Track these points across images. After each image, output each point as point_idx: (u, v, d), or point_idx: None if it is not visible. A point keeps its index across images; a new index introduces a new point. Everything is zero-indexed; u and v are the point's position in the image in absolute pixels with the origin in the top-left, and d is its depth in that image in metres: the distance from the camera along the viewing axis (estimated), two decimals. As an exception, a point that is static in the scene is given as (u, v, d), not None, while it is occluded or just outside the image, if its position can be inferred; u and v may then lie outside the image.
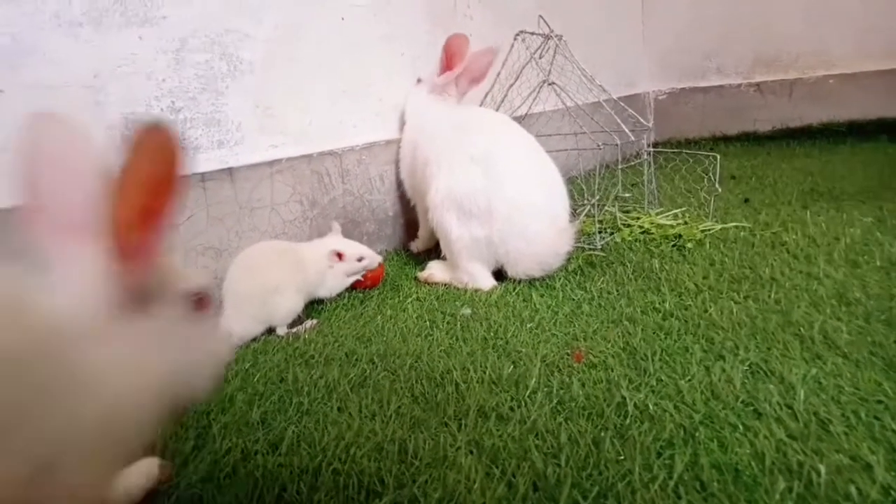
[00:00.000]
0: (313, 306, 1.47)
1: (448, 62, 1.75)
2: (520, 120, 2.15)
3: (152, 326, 0.61)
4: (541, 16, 1.94)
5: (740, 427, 0.85)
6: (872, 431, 0.81)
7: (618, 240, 1.78)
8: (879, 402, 0.88)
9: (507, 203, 1.47)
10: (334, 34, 1.69)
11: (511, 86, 2.03)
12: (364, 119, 1.78)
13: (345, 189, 1.71)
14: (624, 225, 1.87)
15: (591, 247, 1.72)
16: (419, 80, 1.85)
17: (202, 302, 0.66)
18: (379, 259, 1.51)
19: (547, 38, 1.96)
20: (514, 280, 1.52)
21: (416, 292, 1.53)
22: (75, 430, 0.54)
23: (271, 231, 1.52)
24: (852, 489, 0.70)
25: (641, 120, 2.07)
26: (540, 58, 2.02)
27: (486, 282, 1.52)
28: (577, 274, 1.55)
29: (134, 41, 1.28)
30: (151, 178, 0.57)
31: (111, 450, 0.59)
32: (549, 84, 1.85)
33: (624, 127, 1.96)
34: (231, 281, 1.29)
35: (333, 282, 1.48)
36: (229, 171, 1.43)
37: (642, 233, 1.81)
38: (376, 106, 1.82)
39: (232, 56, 1.45)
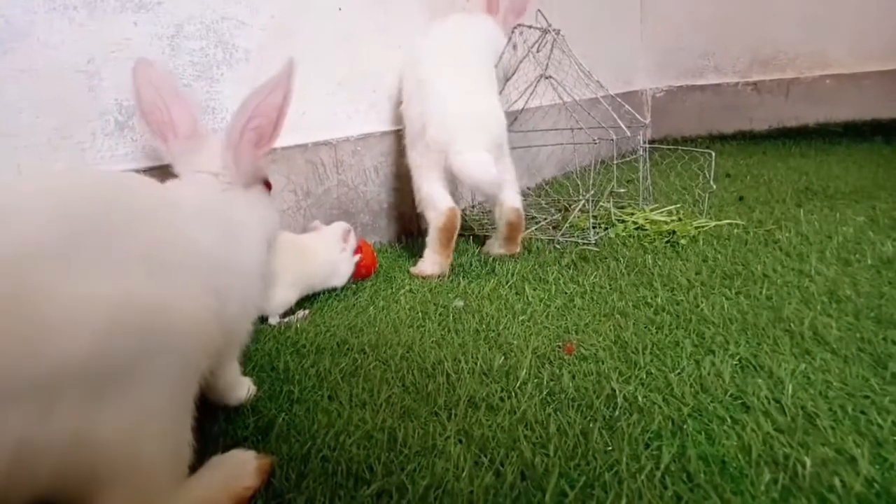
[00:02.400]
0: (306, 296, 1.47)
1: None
2: (517, 114, 2.16)
3: (255, 196, 1.04)
4: (539, 10, 1.94)
5: (728, 420, 0.86)
6: (858, 426, 0.82)
7: (612, 235, 1.79)
8: (866, 396, 0.89)
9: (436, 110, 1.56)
10: (331, 24, 1.68)
11: (509, 79, 2.03)
12: (359, 110, 1.78)
13: (339, 180, 1.71)
14: (618, 220, 1.87)
15: (586, 242, 1.72)
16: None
17: (269, 186, 1.10)
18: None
19: (545, 31, 1.96)
20: (507, 275, 1.52)
21: (410, 284, 1.53)
22: (247, 260, 0.93)
23: (265, 220, 1.51)
24: (836, 481, 0.71)
25: (638, 116, 2.08)
26: (537, 51, 2.02)
27: (443, 203, 1.56)
28: (570, 268, 1.55)
29: (129, 26, 1.28)
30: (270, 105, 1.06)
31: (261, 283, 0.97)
32: (546, 78, 1.85)
33: (620, 123, 1.97)
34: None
35: (346, 267, 1.48)
36: (223, 160, 1.42)
37: (636, 228, 1.81)
38: (371, 97, 1.81)
39: (227, 44, 1.45)
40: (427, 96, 1.59)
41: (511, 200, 1.62)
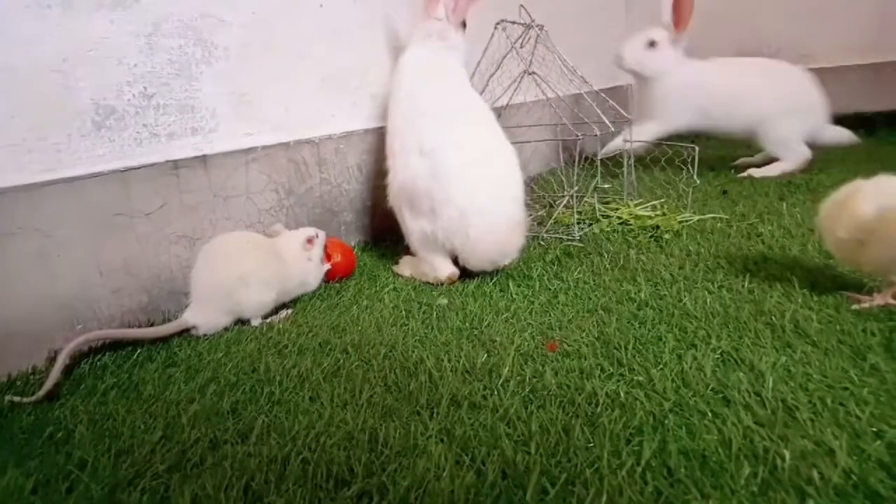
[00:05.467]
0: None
1: None
2: (500, 110, 2.15)
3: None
4: (522, 5, 1.93)
5: (709, 414, 0.86)
6: (837, 417, 0.82)
7: (596, 231, 1.79)
8: (845, 388, 0.89)
9: (451, 205, 1.41)
10: (312, 21, 1.67)
11: (492, 75, 2.02)
12: (342, 108, 1.77)
13: (322, 178, 1.70)
14: (602, 216, 1.87)
15: (570, 238, 1.72)
16: None
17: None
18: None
19: (528, 27, 1.95)
20: (491, 273, 1.51)
21: (393, 283, 1.52)
22: None
23: (246, 219, 1.50)
24: (815, 474, 0.71)
25: (622, 112, 2.07)
26: (521, 47, 2.01)
27: (444, 270, 1.48)
28: (554, 264, 1.55)
29: (105, 25, 1.26)
30: None
31: None
32: (530, 74, 1.85)
33: (604, 118, 1.97)
34: (197, 271, 1.28)
35: (315, 274, 1.47)
36: (203, 159, 1.41)
37: (620, 224, 1.82)
38: (354, 95, 1.80)
39: (207, 42, 1.43)
40: (437, 167, 1.42)
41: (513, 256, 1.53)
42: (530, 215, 1.98)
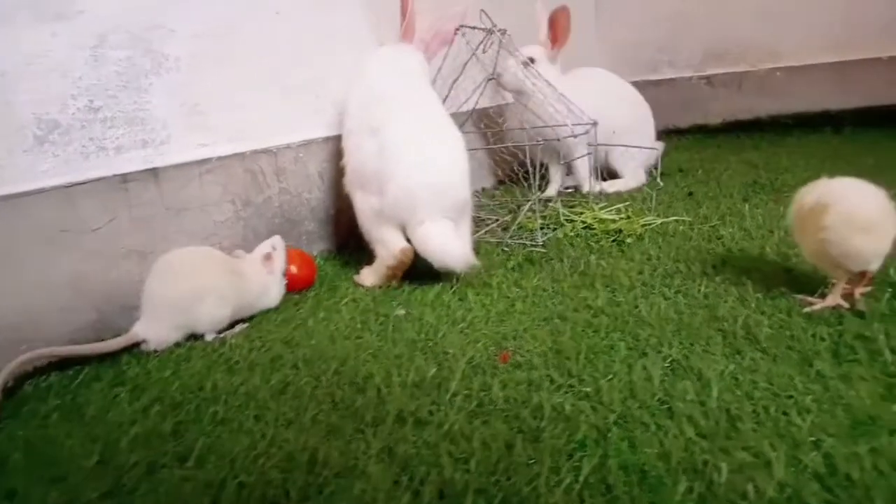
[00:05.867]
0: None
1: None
2: (466, 116, 2.14)
3: None
4: (483, 10, 1.92)
5: (652, 426, 0.85)
6: (779, 427, 0.82)
7: (560, 235, 1.78)
8: (790, 396, 0.89)
9: (397, 180, 1.45)
10: (269, 29, 1.65)
11: (455, 81, 2.01)
12: (302, 116, 1.75)
13: (281, 188, 1.68)
14: (567, 220, 1.87)
15: (533, 243, 1.71)
16: None
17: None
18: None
19: (489, 32, 1.94)
20: (452, 281, 1.50)
21: (353, 293, 1.50)
22: None
23: (201, 232, 1.48)
24: (750, 488, 0.70)
25: (586, 115, 2.07)
26: (483, 52, 2.01)
27: (396, 244, 1.48)
28: (515, 271, 1.54)
29: (46, 38, 1.23)
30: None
31: None
32: (492, 79, 1.84)
33: (567, 122, 1.96)
34: (149, 286, 1.25)
35: (276, 288, 1.45)
36: (154, 172, 1.38)
37: (584, 228, 1.81)
38: (315, 102, 1.78)
39: (157, 52, 1.41)
40: (385, 150, 1.46)
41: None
42: (495, 220, 1.97)
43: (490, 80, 1.88)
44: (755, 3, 3.18)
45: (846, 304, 1.14)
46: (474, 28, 1.89)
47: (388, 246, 1.48)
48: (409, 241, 1.48)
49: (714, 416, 0.86)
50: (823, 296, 1.18)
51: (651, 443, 0.81)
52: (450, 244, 1.45)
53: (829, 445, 0.76)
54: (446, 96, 1.98)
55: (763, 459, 0.75)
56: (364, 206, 1.52)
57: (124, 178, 1.33)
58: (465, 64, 1.93)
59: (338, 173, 1.80)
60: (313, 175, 1.77)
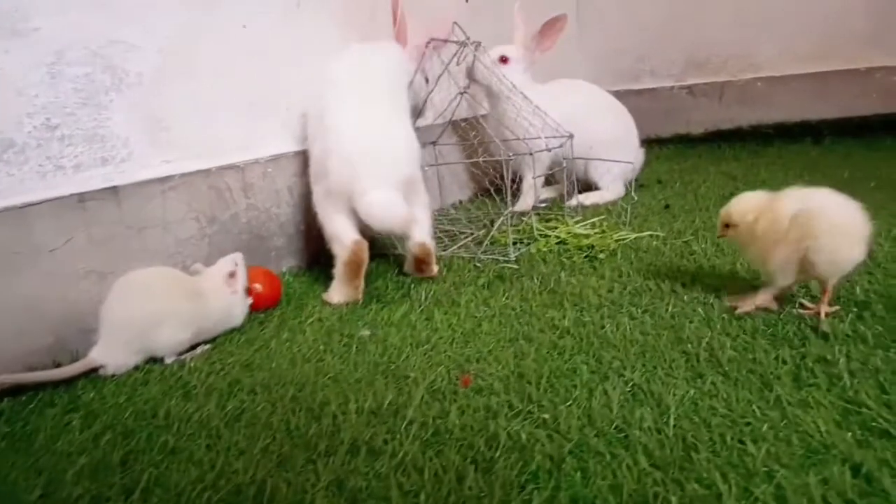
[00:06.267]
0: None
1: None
2: (442, 128, 2.13)
3: None
4: (455, 23, 1.91)
5: (607, 456, 0.83)
6: (732, 457, 0.80)
7: (533, 251, 1.77)
8: (748, 423, 0.87)
9: (339, 154, 1.49)
10: (235, 43, 1.63)
11: (430, 94, 2.00)
12: (270, 130, 1.73)
13: (248, 204, 1.65)
14: (541, 235, 1.85)
15: (505, 258, 1.70)
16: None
17: None
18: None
19: (462, 45, 1.93)
20: (420, 299, 1.48)
21: (320, 312, 1.48)
22: None
23: (164, 251, 1.45)
24: (698, 525, 0.69)
25: (562, 128, 2.06)
26: (457, 65, 1.99)
27: (348, 237, 1.50)
28: (485, 288, 1.53)
29: (0, 55, 1.21)
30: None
31: None
32: (463, 94, 1.82)
33: (541, 135, 1.95)
34: (106, 309, 1.23)
35: (239, 308, 1.42)
36: (114, 190, 1.36)
37: (558, 243, 1.80)
38: (284, 116, 1.76)
39: (117, 68, 1.38)
40: (327, 131, 1.52)
41: (418, 235, 1.55)
42: (470, 234, 1.96)
43: (462, 94, 1.86)
44: (735, 13, 3.19)
45: (775, 306, 1.20)
46: (446, 41, 1.87)
47: (342, 239, 1.50)
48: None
49: (670, 444, 0.84)
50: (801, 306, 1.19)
51: (604, 474, 0.79)
52: (391, 206, 1.44)
53: (782, 476, 0.75)
54: (420, 109, 1.97)
55: (714, 492, 0.74)
56: (318, 195, 1.56)
57: (82, 198, 1.30)
58: (438, 77, 1.91)
59: (308, 188, 1.78)
60: (282, 190, 1.75)
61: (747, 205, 1.28)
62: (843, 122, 2.99)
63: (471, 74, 2.13)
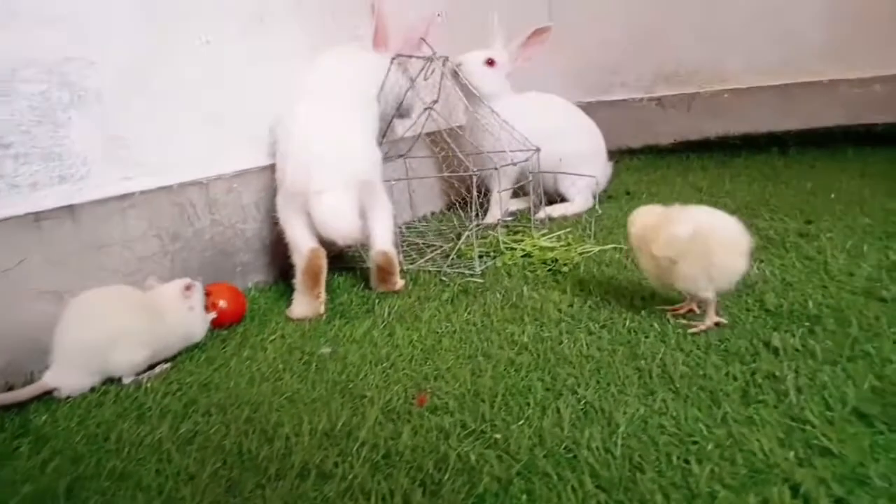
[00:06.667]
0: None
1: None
2: (412, 141, 2.13)
3: None
4: (422, 38, 1.92)
5: (555, 478, 0.84)
6: (676, 477, 0.81)
7: (498, 264, 1.77)
8: (694, 442, 0.88)
9: (293, 156, 1.51)
10: (197, 59, 1.62)
11: (398, 109, 2.00)
12: (236, 146, 1.72)
13: (213, 220, 1.64)
14: (507, 248, 1.87)
15: (471, 272, 1.70)
16: None
17: None
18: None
19: (429, 59, 1.94)
20: (384, 315, 1.48)
21: (283, 328, 1.47)
22: None
23: (124, 269, 1.44)
24: (637, 548, 0.70)
25: (529, 141, 2.08)
26: (425, 79, 2.00)
27: (305, 245, 1.52)
28: (449, 303, 1.53)
29: (-49, 73, 1.19)
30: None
31: None
32: (427, 109, 1.83)
33: (506, 149, 1.97)
34: (60, 331, 1.21)
35: (199, 324, 1.41)
36: (70, 209, 1.34)
37: (523, 256, 1.81)
38: (251, 131, 1.75)
39: (74, 85, 1.37)
40: (288, 135, 1.55)
41: (379, 243, 1.57)
42: (439, 247, 1.96)
43: (428, 109, 1.87)
44: (703, 28, 3.25)
45: (724, 320, 1.25)
46: (411, 57, 1.88)
47: (300, 248, 1.51)
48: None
49: (617, 465, 0.85)
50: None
51: (549, 497, 0.80)
52: (341, 212, 1.46)
53: (723, 497, 0.76)
54: (387, 128, 1.97)
55: (655, 514, 0.75)
56: (279, 201, 1.58)
57: (37, 217, 1.29)
58: (406, 93, 1.92)
59: (274, 202, 1.77)
60: (249, 205, 1.74)
61: (642, 220, 1.37)
62: (808, 134, 3.05)
63: (459, 68, 2.15)
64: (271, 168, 1.77)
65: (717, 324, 1.24)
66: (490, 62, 2.21)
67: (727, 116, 3.25)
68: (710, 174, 2.83)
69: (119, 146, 1.46)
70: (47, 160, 1.33)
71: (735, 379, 1.04)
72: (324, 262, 1.50)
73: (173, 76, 1.56)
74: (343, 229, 1.45)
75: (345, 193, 1.46)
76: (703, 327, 1.23)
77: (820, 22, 2.92)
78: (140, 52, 1.49)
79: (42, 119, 1.32)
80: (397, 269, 1.61)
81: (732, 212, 2.09)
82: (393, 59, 1.81)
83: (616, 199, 2.51)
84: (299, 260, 1.51)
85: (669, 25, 3.33)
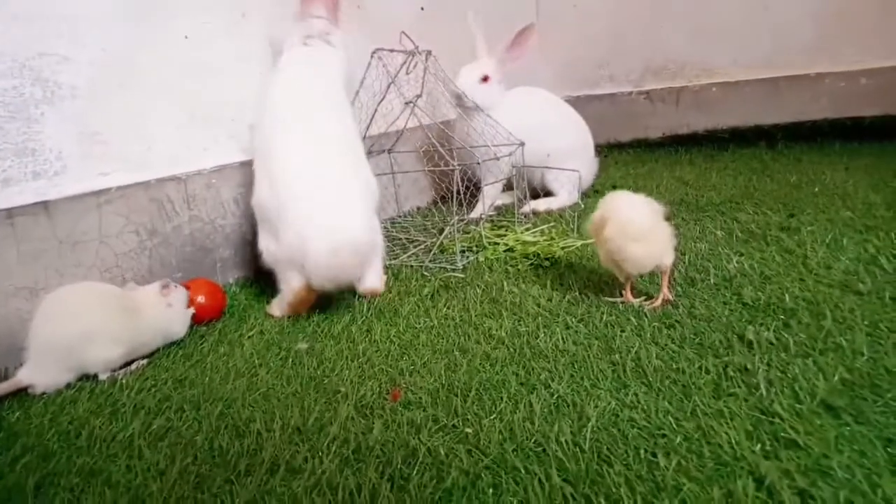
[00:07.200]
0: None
1: None
2: (395, 136, 2.12)
3: None
4: (403, 32, 1.91)
5: (522, 471, 0.84)
6: (643, 470, 0.81)
7: (481, 259, 1.77)
8: (663, 435, 0.89)
9: (290, 229, 1.41)
10: (176, 54, 1.61)
11: (380, 103, 1.99)
12: (215, 141, 1.71)
13: (192, 215, 1.63)
14: (490, 243, 1.86)
15: (453, 267, 1.70)
16: None
17: None
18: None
19: (411, 54, 1.93)
20: (363, 310, 1.47)
21: (262, 324, 1.47)
22: None
23: (101, 265, 1.43)
24: (598, 541, 0.70)
25: (513, 136, 2.07)
26: (407, 73, 2.00)
27: (295, 281, 1.44)
28: (428, 298, 1.53)
29: (-80, 68, 1.18)
30: None
31: None
32: (408, 104, 1.83)
33: (489, 143, 1.96)
34: (35, 328, 1.20)
35: (182, 318, 1.40)
36: (44, 205, 1.33)
37: (506, 251, 1.81)
38: (230, 127, 1.74)
39: (48, 81, 1.36)
40: (276, 187, 1.44)
41: (369, 281, 1.49)
42: (422, 243, 1.96)
43: (409, 104, 1.86)
44: (690, 22, 3.24)
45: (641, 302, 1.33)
46: (392, 51, 1.87)
47: (290, 283, 1.45)
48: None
49: (585, 459, 0.85)
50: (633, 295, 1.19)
51: (516, 490, 0.80)
52: (343, 278, 1.45)
53: (688, 490, 0.76)
54: (369, 123, 1.97)
55: (618, 507, 0.75)
56: (263, 244, 1.50)
57: (9, 214, 1.28)
58: (388, 88, 1.91)
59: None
60: (228, 201, 1.73)
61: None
62: (796, 127, 3.06)
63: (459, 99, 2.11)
64: (250, 164, 1.76)
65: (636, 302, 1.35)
66: (485, 79, 2.18)
67: (715, 110, 3.25)
68: (697, 168, 2.83)
69: (95, 141, 1.44)
70: (20, 156, 1.32)
71: (707, 372, 1.04)
72: (313, 298, 1.47)
73: (151, 72, 1.55)
74: (346, 286, 1.46)
75: (349, 259, 1.43)
76: (620, 299, 1.37)
77: (807, 16, 2.92)
78: (118, 48, 1.48)
79: (14, 115, 1.31)
80: (379, 292, 1.54)
81: (716, 205, 2.13)
82: (373, 52, 1.80)
83: (602, 193, 2.49)
84: (286, 290, 1.47)
85: (658, 20, 3.33)
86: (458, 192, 1.82)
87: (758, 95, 3.13)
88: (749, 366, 1.04)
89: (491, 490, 0.81)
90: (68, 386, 1.23)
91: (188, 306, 1.43)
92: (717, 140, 3.30)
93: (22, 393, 1.21)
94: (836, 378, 0.97)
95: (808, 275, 1.41)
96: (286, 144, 1.47)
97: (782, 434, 0.86)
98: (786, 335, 1.13)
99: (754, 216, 1.92)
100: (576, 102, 3.38)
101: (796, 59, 2.98)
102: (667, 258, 1.32)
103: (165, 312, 1.36)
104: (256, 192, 1.50)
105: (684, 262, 1.56)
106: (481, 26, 2.26)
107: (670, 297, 1.34)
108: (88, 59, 1.42)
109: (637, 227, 1.29)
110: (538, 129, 2.21)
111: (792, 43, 2.97)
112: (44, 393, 1.21)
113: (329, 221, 1.41)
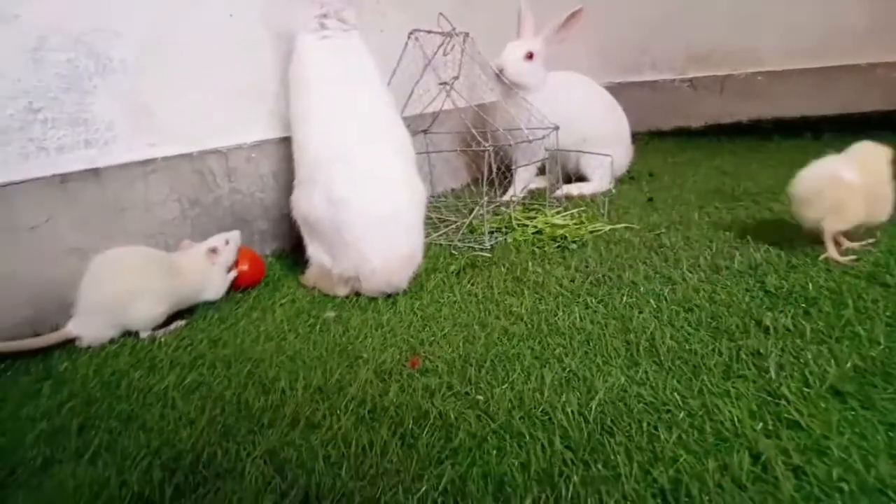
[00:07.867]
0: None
1: None
2: (430, 117, 2.16)
3: None
4: (441, 13, 1.94)
5: (527, 436, 0.87)
6: (643, 442, 0.84)
7: (509, 240, 1.80)
8: (668, 411, 0.91)
9: (350, 254, 1.43)
10: (221, 32, 1.67)
11: (417, 83, 2.03)
12: (256, 117, 1.77)
13: (232, 187, 1.71)
14: (519, 225, 1.89)
15: (481, 247, 1.73)
16: None
17: None
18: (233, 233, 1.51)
19: (448, 35, 1.96)
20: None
21: (294, 293, 1.53)
22: None
23: (145, 231, 1.51)
24: (593, 500, 0.73)
25: (547, 119, 2.08)
26: (444, 55, 2.02)
27: (341, 291, 1.49)
28: (454, 275, 1.57)
29: (-17, 41, 1.27)
30: None
31: None
32: (442, 85, 1.85)
33: (522, 126, 1.98)
34: (84, 285, 1.29)
35: (219, 280, 1.48)
36: (95, 172, 1.42)
37: (534, 233, 1.83)
38: (271, 104, 1.80)
39: (100, 54, 1.44)
40: (337, 209, 1.42)
41: None
42: (454, 222, 1.99)
43: (444, 84, 1.89)
44: (736, 7, 3.17)
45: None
46: (430, 32, 1.90)
47: (334, 289, 1.50)
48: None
49: (588, 428, 0.88)
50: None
51: (518, 453, 0.84)
52: (396, 284, 1.47)
53: (684, 461, 0.79)
54: (407, 100, 2.00)
55: (616, 473, 0.78)
56: (314, 255, 1.54)
57: (63, 179, 1.36)
58: (425, 69, 1.94)
59: (293, 175, 1.82)
60: (266, 175, 1.80)
61: None
62: (844, 119, 2.97)
63: (502, 73, 2.12)
64: (288, 140, 1.82)
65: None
66: (529, 56, 2.18)
67: (760, 99, 3.18)
68: (739, 158, 2.78)
69: (143, 114, 1.52)
70: (74, 125, 1.40)
71: (720, 354, 1.05)
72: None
73: (198, 48, 1.62)
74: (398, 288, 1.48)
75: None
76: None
77: (858, 3, 2.82)
78: (164, 25, 1.55)
79: (70, 86, 1.39)
80: None
81: (752, 195, 2.10)
82: (411, 33, 1.83)
83: (637, 180, 2.49)
84: (330, 290, 1.51)
85: (703, 5, 3.26)
86: (490, 173, 1.84)
87: (805, 85, 3.05)
88: (762, 350, 1.04)
89: (495, 452, 0.85)
90: (112, 341, 1.32)
91: (231, 269, 1.50)
92: (762, 130, 3.24)
93: (69, 344, 1.30)
94: (849, 365, 0.97)
95: (836, 265, 1.39)
96: (346, 157, 1.44)
97: (786, 415, 0.87)
98: (804, 322, 1.13)
99: (788, 206, 1.88)
100: (617, 89, 3.35)
101: (847, 47, 2.89)
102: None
103: (207, 273, 1.44)
104: (306, 204, 1.48)
105: (711, 250, 1.56)
106: (530, 5, 2.26)
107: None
108: (138, 35, 1.50)
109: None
110: (576, 114, 2.21)
111: (842, 30, 2.88)
112: (89, 346, 1.30)
113: (389, 243, 1.44)
